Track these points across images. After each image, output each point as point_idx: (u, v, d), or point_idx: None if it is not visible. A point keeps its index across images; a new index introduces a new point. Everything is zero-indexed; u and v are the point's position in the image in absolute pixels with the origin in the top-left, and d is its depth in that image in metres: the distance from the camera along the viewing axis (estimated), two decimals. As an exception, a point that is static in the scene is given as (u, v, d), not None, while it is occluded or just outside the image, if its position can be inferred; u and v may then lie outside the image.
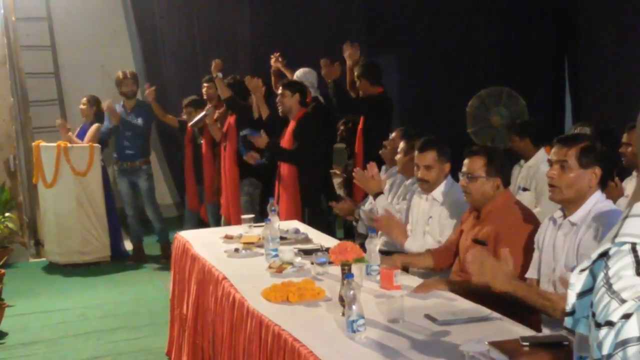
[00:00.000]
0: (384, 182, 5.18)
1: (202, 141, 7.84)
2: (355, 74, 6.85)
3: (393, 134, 5.38)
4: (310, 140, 6.27)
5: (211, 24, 9.76)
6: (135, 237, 8.33)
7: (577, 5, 9.36)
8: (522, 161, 6.09)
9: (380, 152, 5.52)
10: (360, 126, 6.85)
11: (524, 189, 5.76)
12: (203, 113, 7.61)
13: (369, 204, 5.17)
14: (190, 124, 7.81)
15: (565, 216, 3.23)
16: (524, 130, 6.08)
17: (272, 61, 7.62)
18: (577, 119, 8.91)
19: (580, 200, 3.17)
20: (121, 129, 8.15)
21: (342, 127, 7.95)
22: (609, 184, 3.38)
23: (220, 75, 7.17)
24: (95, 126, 8.25)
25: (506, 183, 3.85)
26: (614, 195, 4.35)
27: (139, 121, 8.11)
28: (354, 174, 4.94)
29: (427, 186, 4.42)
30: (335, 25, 9.34)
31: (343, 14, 9.51)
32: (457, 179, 4.10)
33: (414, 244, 4.31)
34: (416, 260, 4.13)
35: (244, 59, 9.62)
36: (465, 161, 3.86)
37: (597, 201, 3.16)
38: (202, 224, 8.07)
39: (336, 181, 7.79)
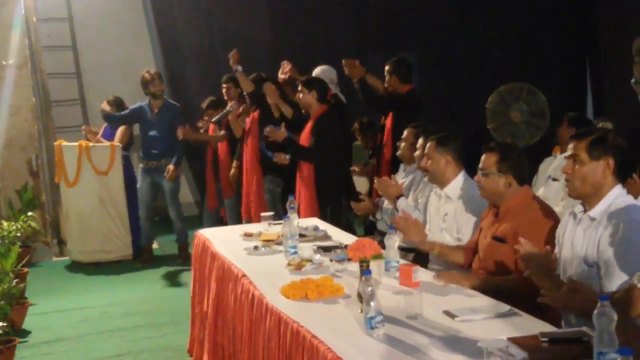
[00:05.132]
0: (403, 181, 5.21)
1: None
2: (386, 69, 6.78)
3: (405, 132, 5.37)
4: (327, 139, 6.25)
5: (230, 23, 9.78)
6: (145, 238, 8.32)
7: (599, 3, 9.28)
8: (557, 153, 6.02)
9: (397, 153, 5.52)
10: (388, 125, 6.76)
11: (554, 179, 5.69)
12: (227, 109, 7.61)
13: (387, 202, 5.18)
14: (213, 120, 7.81)
15: (585, 211, 3.21)
16: (575, 121, 5.96)
17: (287, 70, 7.41)
18: (598, 117, 8.84)
19: (599, 194, 3.15)
20: (146, 129, 8.17)
21: (356, 125, 7.97)
22: (628, 178, 3.34)
23: (240, 68, 7.06)
24: (123, 127, 8.34)
25: (521, 181, 3.81)
26: (634, 191, 4.29)
27: (166, 122, 8.06)
28: (375, 185, 5.01)
29: (430, 176, 4.49)
30: (354, 23, 9.34)
31: (361, 11, 9.50)
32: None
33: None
34: (452, 253, 4.12)
35: (263, 57, 9.62)
36: (482, 157, 3.88)
37: (617, 196, 3.13)
38: (220, 223, 8.09)
39: (357, 179, 7.79)
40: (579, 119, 6.07)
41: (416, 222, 4.34)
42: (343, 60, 6.62)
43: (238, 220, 7.55)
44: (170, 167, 8.02)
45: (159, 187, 8.25)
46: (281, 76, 7.46)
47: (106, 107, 8.24)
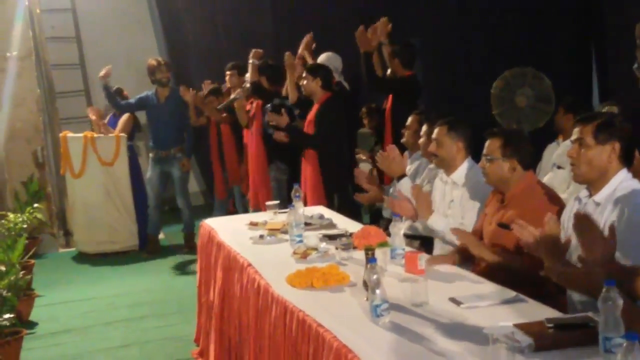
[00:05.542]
0: (408, 168, 5.16)
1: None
2: (389, 51, 6.75)
3: (409, 119, 5.32)
4: (329, 126, 6.24)
5: (234, 13, 9.75)
6: (152, 228, 8.33)
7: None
8: (560, 139, 5.97)
9: (402, 140, 5.48)
10: (388, 108, 6.75)
11: (559, 167, 5.65)
12: (233, 96, 7.61)
13: (393, 187, 5.15)
14: (219, 107, 7.82)
15: (590, 195, 3.19)
16: (571, 106, 5.91)
17: (306, 41, 7.38)
18: (603, 101, 8.80)
19: (604, 178, 3.13)
20: (155, 118, 8.17)
21: (364, 109, 7.97)
22: (635, 159, 3.31)
23: (257, 62, 7.27)
24: (126, 116, 8.34)
25: (525, 165, 3.79)
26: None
27: (174, 111, 8.08)
28: (376, 158, 4.93)
29: (438, 161, 4.43)
30: (358, 11, 9.28)
31: (365, -1, 9.45)
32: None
33: (438, 221, 4.26)
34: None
35: (266, 47, 9.55)
36: (486, 142, 3.85)
37: (622, 180, 3.11)
38: (230, 213, 8.10)
39: (363, 166, 7.77)
40: (576, 103, 6.01)
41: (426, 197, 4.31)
42: (357, 32, 6.47)
43: (245, 205, 7.63)
44: (185, 159, 8.05)
45: (168, 176, 8.26)
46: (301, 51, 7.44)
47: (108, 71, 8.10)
